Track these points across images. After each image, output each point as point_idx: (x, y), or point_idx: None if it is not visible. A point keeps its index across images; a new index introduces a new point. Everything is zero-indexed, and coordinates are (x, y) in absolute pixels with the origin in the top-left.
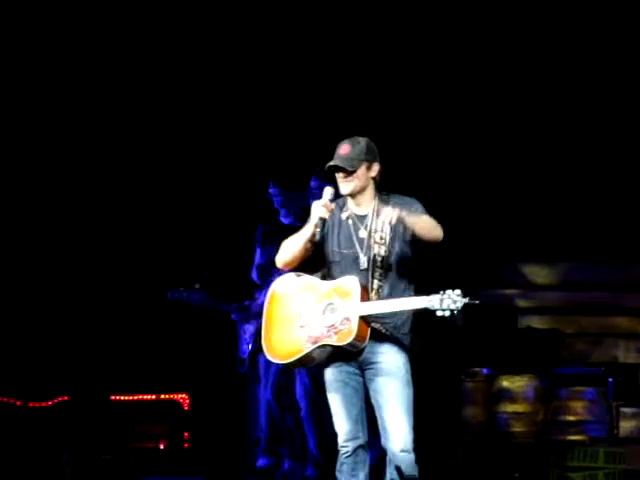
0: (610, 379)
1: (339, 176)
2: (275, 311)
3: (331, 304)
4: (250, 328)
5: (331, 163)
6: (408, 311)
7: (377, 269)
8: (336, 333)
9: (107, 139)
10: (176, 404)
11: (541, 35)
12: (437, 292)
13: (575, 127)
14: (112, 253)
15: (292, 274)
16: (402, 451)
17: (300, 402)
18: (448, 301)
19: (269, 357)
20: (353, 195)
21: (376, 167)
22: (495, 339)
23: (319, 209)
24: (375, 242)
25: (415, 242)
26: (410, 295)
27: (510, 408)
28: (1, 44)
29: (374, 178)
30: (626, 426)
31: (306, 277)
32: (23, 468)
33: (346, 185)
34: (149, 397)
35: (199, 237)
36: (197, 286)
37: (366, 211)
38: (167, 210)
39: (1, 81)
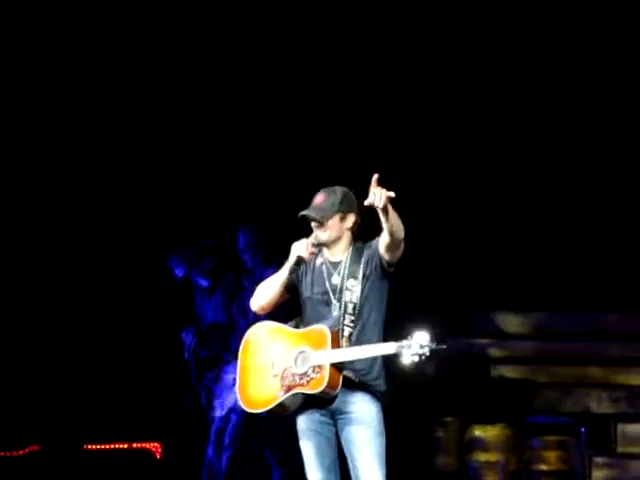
0: (583, 429)
1: (312, 225)
2: (248, 360)
3: (303, 352)
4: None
5: (303, 212)
6: (379, 358)
7: (348, 315)
8: (308, 381)
9: (109, 151)
10: (148, 453)
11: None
12: (406, 338)
13: (547, 173)
14: (88, 300)
15: (265, 322)
16: None
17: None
18: (416, 347)
19: (244, 407)
20: (327, 244)
21: (351, 218)
22: (467, 388)
23: (300, 247)
24: (347, 289)
25: (389, 273)
26: (380, 341)
27: (482, 457)
28: (1, 44)
29: (350, 229)
30: (598, 475)
31: (278, 325)
32: None
33: (319, 235)
34: (121, 446)
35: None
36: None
37: (340, 258)
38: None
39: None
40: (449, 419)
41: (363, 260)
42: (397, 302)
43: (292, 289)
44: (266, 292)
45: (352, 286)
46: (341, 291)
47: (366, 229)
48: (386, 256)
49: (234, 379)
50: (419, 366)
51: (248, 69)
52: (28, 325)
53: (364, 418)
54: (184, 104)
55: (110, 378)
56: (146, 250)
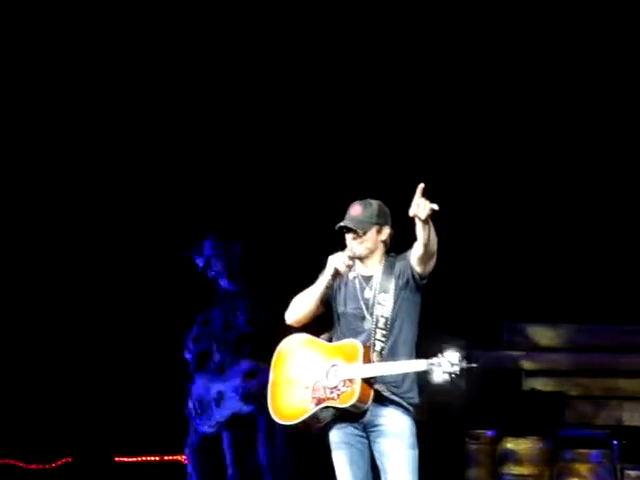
0: (615, 441)
1: (349, 237)
2: (281, 371)
3: (334, 365)
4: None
5: (342, 224)
6: (411, 373)
7: (379, 330)
8: (339, 395)
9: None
10: (179, 465)
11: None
12: (436, 355)
13: (576, 186)
14: (116, 315)
15: (299, 334)
16: None
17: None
18: (447, 365)
19: (275, 419)
20: (361, 257)
21: (387, 231)
22: (500, 401)
23: (337, 260)
24: (379, 303)
25: (421, 286)
26: (412, 356)
27: (515, 470)
28: (1, 44)
29: (384, 242)
30: None
31: (311, 338)
32: None
33: (356, 246)
34: (153, 458)
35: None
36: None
37: (372, 272)
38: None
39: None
40: (481, 432)
41: (395, 274)
42: (429, 315)
43: (327, 302)
44: (302, 305)
45: (384, 300)
46: (373, 305)
47: (397, 242)
48: (418, 268)
49: (218, 392)
50: (451, 379)
51: (244, 78)
52: (61, 340)
53: (396, 431)
54: (199, 110)
55: (142, 391)
56: (161, 253)
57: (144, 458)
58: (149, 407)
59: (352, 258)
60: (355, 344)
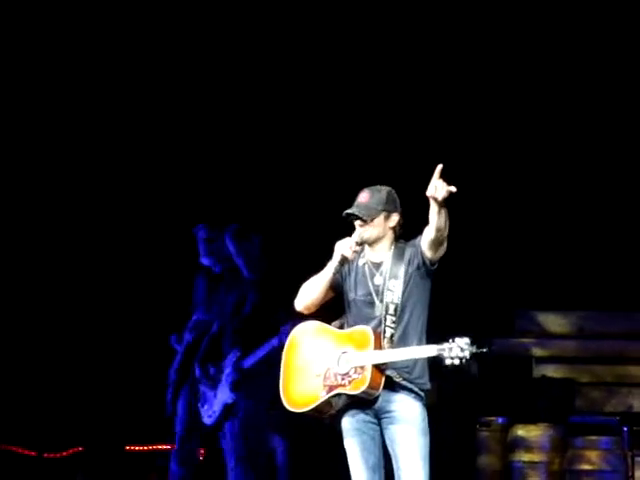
0: (625, 428)
1: (356, 224)
2: (293, 358)
3: (345, 352)
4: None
5: (348, 211)
6: (422, 359)
7: (389, 316)
8: (350, 382)
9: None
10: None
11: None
12: (447, 341)
13: (589, 174)
14: (127, 306)
15: (311, 321)
16: None
17: None
18: (457, 350)
19: (287, 406)
20: (370, 243)
21: (395, 218)
22: (510, 388)
23: (343, 247)
24: (389, 289)
25: (431, 271)
26: (422, 342)
27: (525, 457)
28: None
29: (393, 228)
30: None
31: (323, 325)
32: None
33: (362, 233)
34: (164, 447)
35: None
36: None
37: (382, 258)
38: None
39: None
40: (492, 419)
41: (405, 260)
42: (439, 302)
43: (337, 288)
44: (310, 292)
45: (394, 287)
46: (383, 292)
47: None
48: (429, 253)
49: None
50: (462, 366)
51: (252, 67)
52: (73, 330)
53: (408, 417)
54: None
55: (153, 381)
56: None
57: (155, 447)
58: (160, 397)
59: (360, 244)
60: (366, 331)
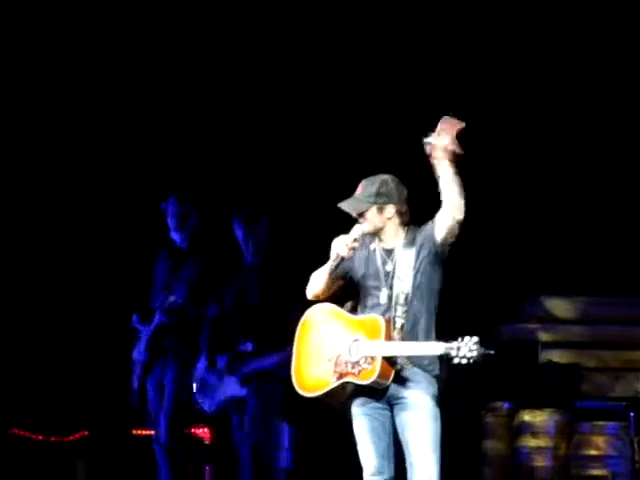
0: (631, 413)
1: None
2: (305, 341)
3: (357, 340)
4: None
5: (339, 204)
6: (433, 342)
7: (400, 306)
8: (360, 372)
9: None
10: (197, 438)
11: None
12: (455, 339)
13: (595, 163)
14: (131, 293)
15: (324, 304)
16: None
17: None
18: (464, 349)
19: (299, 391)
20: (373, 234)
21: (390, 209)
22: (516, 373)
23: (339, 245)
24: (399, 278)
25: (442, 258)
26: (433, 330)
27: (531, 442)
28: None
29: (390, 219)
30: None
31: (335, 309)
32: None
33: (362, 226)
34: None
35: None
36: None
37: (392, 245)
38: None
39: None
40: (498, 404)
41: (416, 246)
42: (446, 288)
43: (344, 276)
44: (318, 282)
45: (405, 275)
46: (393, 279)
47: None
48: (442, 233)
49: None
50: (469, 365)
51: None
52: (77, 317)
53: (419, 403)
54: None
55: None
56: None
57: None
58: None
59: (363, 235)
60: (377, 320)
